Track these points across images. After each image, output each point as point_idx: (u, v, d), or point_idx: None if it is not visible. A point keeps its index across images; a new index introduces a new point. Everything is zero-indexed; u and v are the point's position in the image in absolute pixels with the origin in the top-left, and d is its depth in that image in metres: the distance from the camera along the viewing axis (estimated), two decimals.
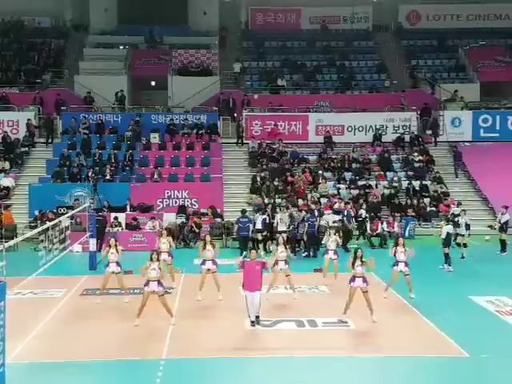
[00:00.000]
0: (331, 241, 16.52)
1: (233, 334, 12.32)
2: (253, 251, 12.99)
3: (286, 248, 15.19)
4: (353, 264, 12.97)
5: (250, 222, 21.50)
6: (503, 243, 21.00)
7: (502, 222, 21.06)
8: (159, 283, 12.73)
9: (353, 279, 12.93)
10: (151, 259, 12.84)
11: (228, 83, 33.66)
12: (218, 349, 11.44)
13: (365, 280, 12.86)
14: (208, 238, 15.17)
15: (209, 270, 14.83)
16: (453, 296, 15.36)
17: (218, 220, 23.90)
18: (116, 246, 14.86)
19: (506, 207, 21.54)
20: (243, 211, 22.03)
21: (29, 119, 29.55)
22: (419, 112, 30.91)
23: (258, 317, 12.83)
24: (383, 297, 14.64)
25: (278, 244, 15.30)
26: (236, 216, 22.46)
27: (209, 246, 14.91)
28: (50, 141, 29.44)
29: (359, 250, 13.18)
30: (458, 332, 12.23)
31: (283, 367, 10.61)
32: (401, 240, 14.94)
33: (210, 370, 10.51)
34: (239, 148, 30.14)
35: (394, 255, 14.79)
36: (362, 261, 12.97)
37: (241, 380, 10.12)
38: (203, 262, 14.86)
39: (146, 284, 12.78)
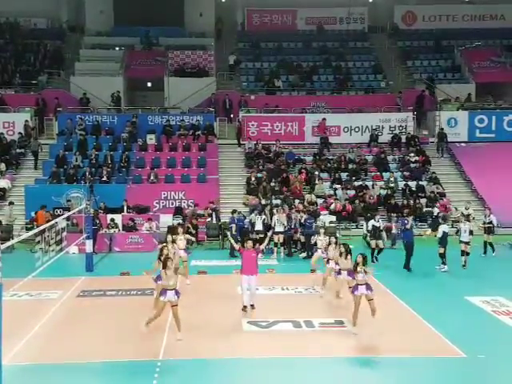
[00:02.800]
0: (319, 239, 16.77)
1: (230, 336, 12.32)
2: (249, 241, 13.99)
3: (349, 258, 14.16)
4: (354, 270, 12.41)
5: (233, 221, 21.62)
6: (490, 245, 20.54)
7: (487, 223, 20.62)
8: (176, 292, 11.94)
9: (356, 287, 12.30)
10: (164, 266, 11.95)
11: (224, 84, 33.66)
12: (215, 350, 11.43)
13: (368, 287, 12.26)
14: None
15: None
16: (449, 296, 15.38)
17: (214, 221, 23.86)
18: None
19: (489, 208, 21.48)
20: (233, 211, 22.15)
21: (26, 120, 29.53)
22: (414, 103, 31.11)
23: (252, 305, 13.75)
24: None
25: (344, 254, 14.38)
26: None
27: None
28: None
29: (359, 256, 12.45)
30: (455, 332, 12.25)
31: (280, 368, 10.60)
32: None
33: (207, 371, 10.50)
34: (235, 149, 30.13)
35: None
36: (364, 269, 12.25)
37: (238, 381, 10.12)
38: (164, 292, 11.94)
39: (163, 293, 11.87)
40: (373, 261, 18.94)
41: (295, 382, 10.06)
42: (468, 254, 18.78)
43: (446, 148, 30.27)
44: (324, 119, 30.19)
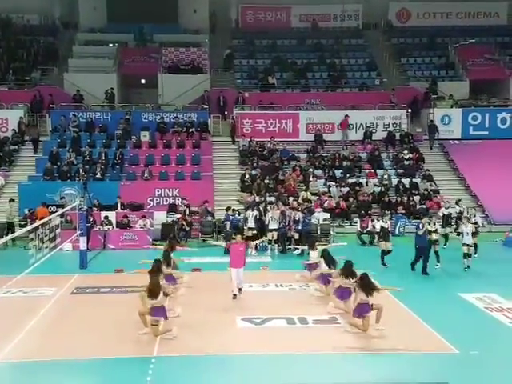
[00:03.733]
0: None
1: (223, 332, 12.33)
2: (238, 236, 15.17)
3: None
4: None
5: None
6: (474, 246, 19.09)
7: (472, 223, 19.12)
8: (157, 312, 11.82)
9: (361, 309, 12.02)
10: (151, 295, 11.77)
11: (218, 81, 33.62)
12: (209, 347, 11.44)
13: (370, 306, 12.07)
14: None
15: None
16: (442, 293, 15.45)
17: (209, 218, 23.87)
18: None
19: (475, 209, 21.37)
20: (228, 208, 22.26)
21: (21, 117, 29.43)
22: (409, 108, 31.14)
23: (240, 289, 14.88)
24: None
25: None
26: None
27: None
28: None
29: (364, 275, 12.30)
30: (448, 329, 12.30)
31: (273, 364, 10.62)
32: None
33: (201, 368, 10.50)
34: (229, 146, 30.12)
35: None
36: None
37: (231, 377, 10.12)
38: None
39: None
40: (383, 264, 18.38)
41: (289, 378, 10.07)
42: (470, 255, 18.18)
43: (438, 142, 30.38)
44: (347, 116, 30.17)
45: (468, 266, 18.02)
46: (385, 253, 18.62)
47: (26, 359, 10.87)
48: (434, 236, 17.94)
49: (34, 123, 30.07)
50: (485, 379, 10.12)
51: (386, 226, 19.00)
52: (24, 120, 29.52)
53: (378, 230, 19.28)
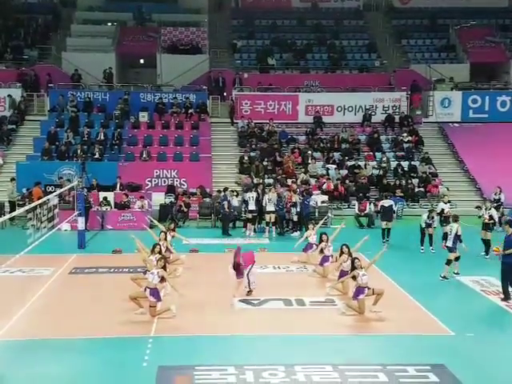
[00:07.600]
0: (312, 235, 16.61)
1: (221, 313, 12.38)
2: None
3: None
4: (354, 277, 12.25)
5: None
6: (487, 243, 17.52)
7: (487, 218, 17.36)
8: (153, 293, 11.87)
9: (359, 292, 12.13)
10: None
11: (217, 61, 33.41)
12: (206, 327, 11.51)
13: (364, 289, 12.15)
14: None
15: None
16: (439, 276, 15.47)
17: (207, 200, 23.85)
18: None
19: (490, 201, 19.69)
20: (225, 189, 22.31)
21: (22, 96, 29.26)
22: (409, 91, 31.00)
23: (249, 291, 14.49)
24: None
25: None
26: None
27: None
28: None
29: (357, 260, 12.45)
30: (444, 311, 12.38)
31: (270, 345, 10.68)
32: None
33: (198, 348, 10.56)
34: (228, 128, 30.01)
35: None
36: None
37: (228, 358, 10.17)
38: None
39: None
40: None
41: (286, 358, 10.10)
42: (457, 259, 15.12)
43: (438, 124, 30.42)
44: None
45: (443, 276, 14.93)
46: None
47: (23, 338, 10.92)
48: None
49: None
50: (480, 361, 10.18)
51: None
52: (22, 100, 29.31)
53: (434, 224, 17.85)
